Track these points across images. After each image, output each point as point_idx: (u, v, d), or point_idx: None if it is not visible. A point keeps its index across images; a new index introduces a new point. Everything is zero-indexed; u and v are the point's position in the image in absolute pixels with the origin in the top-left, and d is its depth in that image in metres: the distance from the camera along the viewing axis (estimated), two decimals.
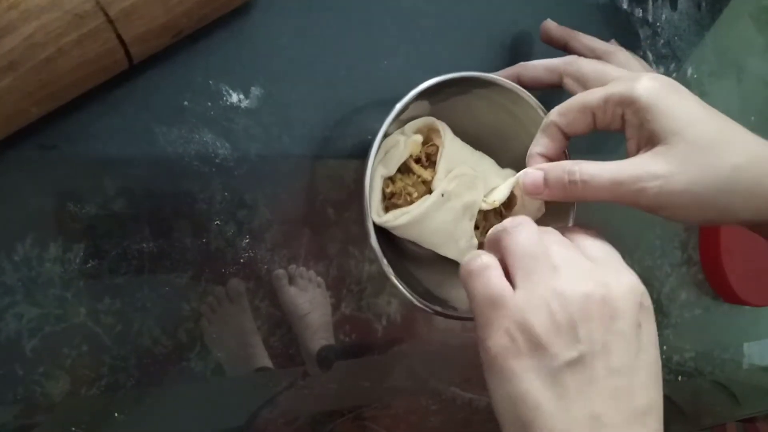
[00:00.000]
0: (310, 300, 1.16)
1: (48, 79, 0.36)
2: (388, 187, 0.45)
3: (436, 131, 0.46)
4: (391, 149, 0.45)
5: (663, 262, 0.75)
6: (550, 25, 0.52)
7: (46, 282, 0.58)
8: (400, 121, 0.45)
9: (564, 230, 0.36)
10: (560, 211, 0.47)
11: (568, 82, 0.44)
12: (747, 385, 0.78)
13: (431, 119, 0.46)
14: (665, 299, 0.80)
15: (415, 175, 0.45)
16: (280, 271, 1.16)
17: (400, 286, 0.43)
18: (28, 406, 0.59)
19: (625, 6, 0.60)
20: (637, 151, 0.38)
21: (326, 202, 0.52)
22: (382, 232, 0.44)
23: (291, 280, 1.16)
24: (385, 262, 0.41)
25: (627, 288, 0.31)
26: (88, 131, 0.42)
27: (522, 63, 0.47)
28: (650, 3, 0.61)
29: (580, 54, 0.48)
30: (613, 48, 0.49)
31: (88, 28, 0.36)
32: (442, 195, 0.44)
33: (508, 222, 0.34)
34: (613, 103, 0.37)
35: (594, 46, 0.49)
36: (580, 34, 0.50)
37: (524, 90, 0.45)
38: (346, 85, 0.49)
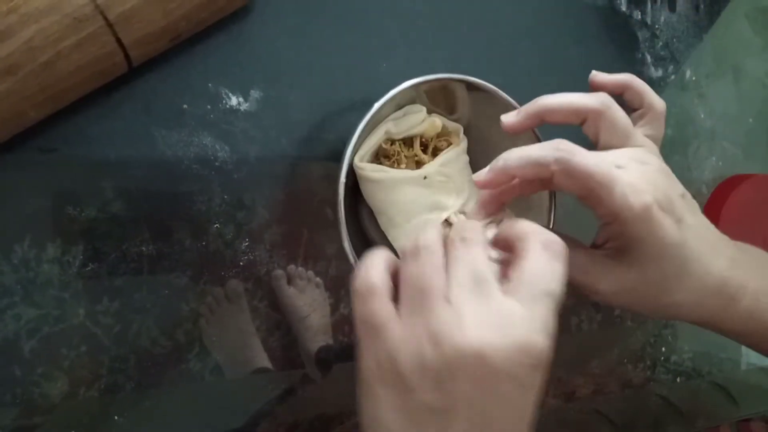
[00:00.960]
0: (309, 301, 1.16)
1: (47, 83, 0.36)
2: (386, 144, 0.45)
3: (457, 135, 0.46)
4: (411, 114, 0.45)
5: None
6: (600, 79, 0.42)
7: (45, 283, 0.58)
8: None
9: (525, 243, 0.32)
10: (540, 208, 0.46)
11: (593, 129, 0.38)
12: (745, 385, 0.78)
13: (460, 127, 0.46)
14: None
15: (413, 152, 0.45)
16: (279, 272, 1.16)
17: (348, 249, 0.43)
18: (26, 408, 0.59)
19: (623, 8, 0.60)
20: (601, 244, 0.38)
21: (324, 203, 0.52)
22: (351, 214, 0.44)
23: (290, 281, 1.16)
24: (343, 221, 0.41)
25: (520, 343, 0.28)
26: (87, 134, 0.42)
27: (543, 101, 0.38)
28: (649, 5, 0.61)
29: (564, 122, 0.39)
30: (599, 103, 0.38)
31: (88, 31, 0.36)
32: (425, 177, 0.43)
33: (417, 240, 0.32)
34: (605, 207, 0.34)
35: (577, 106, 0.38)
36: (551, 97, 0.39)
37: (508, 97, 0.44)
38: (345, 87, 0.49)
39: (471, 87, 0.44)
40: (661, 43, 0.62)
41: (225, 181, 0.47)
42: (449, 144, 0.46)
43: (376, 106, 0.41)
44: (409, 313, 0.30)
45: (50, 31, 0.35)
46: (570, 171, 0.33)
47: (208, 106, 0.45)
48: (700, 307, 0.36)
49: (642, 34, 0.61)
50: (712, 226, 0.38)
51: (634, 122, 0.41)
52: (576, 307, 1.28)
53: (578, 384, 0.66)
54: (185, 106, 0.44)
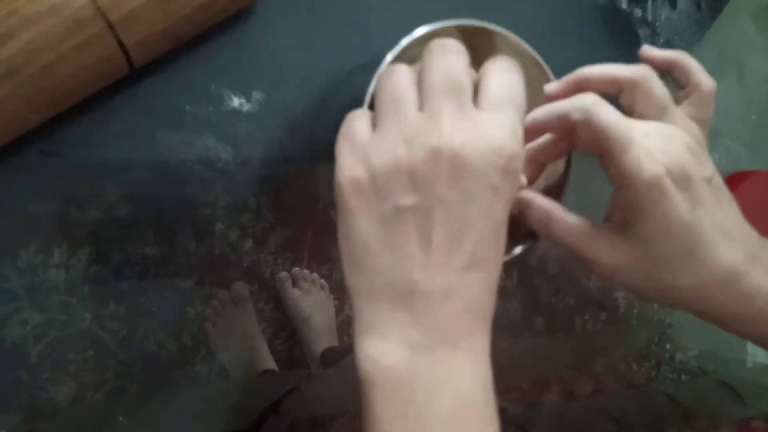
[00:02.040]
0: (313, 302, 1.17)
1: (48, 85, 0.37)
2: None
3: None
4: None
5: None
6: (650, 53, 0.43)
7: (51, 288, 0.58)
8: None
9: (489, 62, 0.35)
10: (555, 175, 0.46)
11: (628, 100, 0.38)
12: (752, 383, 0.78)
13: (475, 75, 0.46)
14: None
15: None
16: (284, 274, 1.17)
17: None
18: (33, 412, 0.59)
19: (624, 6, 0.60)
20: (611, 216, 0.37)
21: (329, 205, 0.52)
22: None
23: (294, 283, 1.17)
24: None
25: (491, 146, 0.30)
26: (89, 137, 0.43)
27: (582, 70, 0.39)
28: (649, 3, 0.61)
29: (601, 92, 0.37)
30: (637, 74, 0.38)
31: (89, 33, 0.36)
32: None
33: (391, 66, 0.34)
34: (619, 162, 0.33)
35: (615, 75, 0.38)
36: (591, 67, 0.39)
37: (524, 42, 0.44)
38: (348, 87, 0.49)
39: (476, 32, 0.43)
40: (662, 41, 0.62)
41: (228, 183, 0.47)
42: None
43: (388, 58, 0.41)
44: (382, 122, 0.32)
45: (51, 33, 0.35)
46: (590, 122, 0.33)
47: (210, 108, 0.45)
48: (705, 297, 0.35)
49: (643, 32, 0.61)
50: (740, 219, 0.36)
51: (679, 101, 0.41)
52: (580, 306, 1.28)
53: (582, 382, 0.66)
54: (187, 107, 0.44)
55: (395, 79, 0.33)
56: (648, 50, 0.43)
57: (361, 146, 0.31)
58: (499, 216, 0.31)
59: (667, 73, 0.41)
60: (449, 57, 0.32)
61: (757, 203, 0.69)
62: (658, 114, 0.37)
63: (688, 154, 0.34)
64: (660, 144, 0.33)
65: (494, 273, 0.32)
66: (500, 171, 0.30)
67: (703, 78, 0.41)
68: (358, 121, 0.33)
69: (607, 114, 0.33)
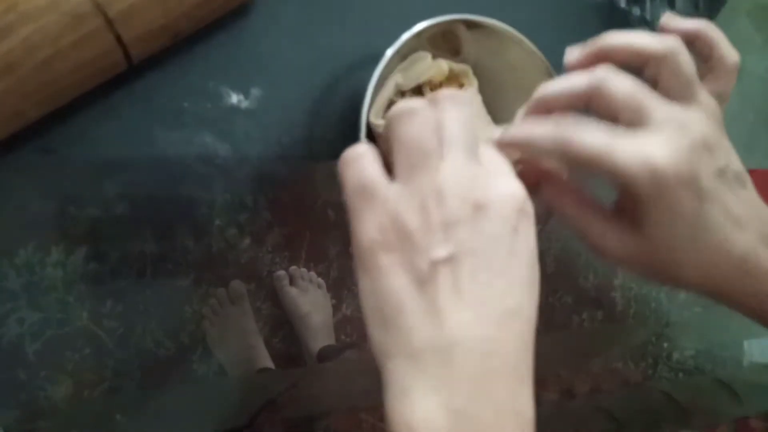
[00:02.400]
0: (311, 301, 1.17)
1: (46, 81, 0.36)
2: (396, 96, 0.45)
3: (466, 75, 0.46)
4: (417, 62, 0.45)
5: None
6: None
7: (49, 286, 0.58)
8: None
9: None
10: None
11: (653, 74, 0.36)
12: (748, 383, 0.78)
13: (467, 67, 0.46)
14: (664, 298, 0.80)
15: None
16: (281, 273, 1.17)
17: None
18: (30, 411, 0.59)
19: (622, 5, 0.60)
20: (621, 209, 0.37)
21: (326, 204, 0.52)
22: None
23: (292, 281, 1.17)
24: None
25: (505, 192, 0.31)
26: (87, 134, 0.43)
27: (608, 38, 0.36)
28: (648, 2, 0.61)
29: (626, 63, 0.37)
30: (663, 48, 0.35)
31: (87, 29, 0.36)
32: None
33: (407, 103, 0.33)
34: (610, 175, 0.33)
35: (640, 47, 0.35)
36: (617, 35, 0.36)
37: (521, 35, 0.44)
38: (346, 85, 0.49)
39: (472, 26, 0.44)
40: None
41: (226, 181, 0.47)
42: (461, 86, 0.46)
43: (389, 53, 0.42)
44: (408, 171, 0.31)
45: (49, 28, 0.35)
46: (567, 155, 0.33)
47: (209, 105, 0.45)
48: (714, 282, 0.35)
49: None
50: (756, 201, 0.36)
51: (702, 76, 0.39)
52: (577, 305, 1.28)
53: (580, 381, 0.66)
54: (186, 104, 0.44)
55: (417, 127, 0.32)
56: (669, 20, 0.40)
57: (387, 202, 0.31)
58: (527, 256, 0.31)
59: (690, 44, 0.38)
60: (463, 109, 0.33)
61: None
62: (682, 91, 0.35)
63: (698, 149, 0.33)
64: (667, 141, 0.32)
65: (531, 326, 0.31)
66: (517, 213, 0.31)
67: (726, 51, 0.39)
68: (370, 170, 0.32)
69: (582, 140, 0.33)
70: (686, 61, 0.35)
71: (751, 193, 0.36)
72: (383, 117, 0.44)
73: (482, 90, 0.48)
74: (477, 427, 0.28)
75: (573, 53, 0.38)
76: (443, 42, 0.47)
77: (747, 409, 0.77)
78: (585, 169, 0.34)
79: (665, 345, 0.73)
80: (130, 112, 0.43)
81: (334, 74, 0.49)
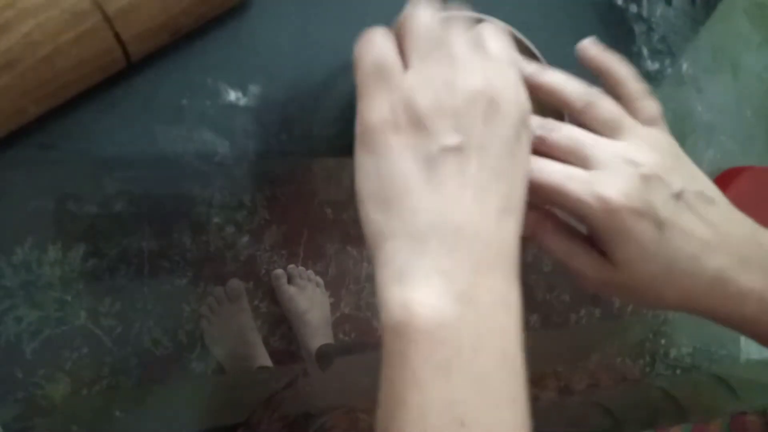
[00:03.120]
0: (309, 299, 1.17)
1: (46, 78, 0.36)
2: None
3: None
4: None
5: None
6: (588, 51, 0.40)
7: (46, 285, 0.58)
8: None
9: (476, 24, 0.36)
10: None
11: (575, 120, 0.38)
12: (745, 379, 0.79)
13: None
14: None
15: None
16: (279, 271, 1.17)
17: None
18: (28, 410, 0.59)
19: (619, 2, 0.60)
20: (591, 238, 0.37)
21: (324, 202, 0.52)
22: None
23: (290, 280, 1.17)
24: None
25: (516, 99, 0.32)
26: (86, 131, 0.43)
27: (538, 77, 0.38)
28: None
29: (555, 106, 0.38)
30: (585, 99, 0.37)
31: (86, 26, 0.36)
32: None
33: (419, 3, 0.34)
34: (567, 208, 0.35)
35: (566, 96, 0.37)
36: (546, 76, 0.38)
37: (517, 32, 0.43)
38: (346, 82, 0.50)
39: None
40: (657, 37, 0.62)
41: (225, 178, 0.47)
42: None
43: None
44: (421, 60, 0.32)
45: (49, 25, 0.35)
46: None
47: (208, 102, 0.45)
48: (693, 304, 0.36)
49: (638, 28, 0.61)
50: (728, 219, 0.36)
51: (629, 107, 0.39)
52: (575, 303, 1.28)
53: (577, 377, 0.66)
54: (184, 101, 0.44)
55: (425, 20, 0.33)
56: (584, 49, 0.40)
57: (401, 84, 0.31)
58: (525, 164, 0.32)
59: (601, 76, 0.40)
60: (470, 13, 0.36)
61: (751, 198, 0.69)
62: (612, 134, 0.36)
63: (647, 180, 0.34)
64: (617, 177, 0.33)
65: (520, 224, 0.32)
66: (522, 121, 0.32)
67: (633, 88, 0.39)
68: (387, 51, 0.32)
69: (540, 173, 0.34)
70: (606, 107, 0.36)
71: (721, 208, 0.36)
72: None
73: None
74: (477, 312, 0.28)
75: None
76: None
77: (743, 406, 0.78)
78: (547, 200, 0.35)
79: (662, 342, 0.74)
80: (129, 108, 0.43)
81: (333, 71, 0.49)
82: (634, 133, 0.36)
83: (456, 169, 0.30)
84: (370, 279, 1.17)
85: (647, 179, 0.34)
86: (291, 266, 1.13)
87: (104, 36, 0.37)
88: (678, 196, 0.34)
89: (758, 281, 0.34)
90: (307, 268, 1.14)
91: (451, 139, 0.30)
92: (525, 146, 0.32)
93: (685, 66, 0.64)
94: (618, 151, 0.34)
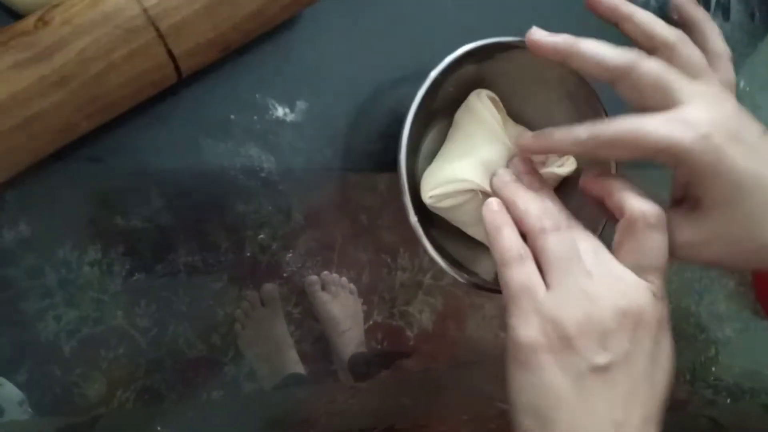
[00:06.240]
0: (342, 306, 1.16)
1: (99, 94, 0.36)
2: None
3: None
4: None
5: (702, 274, 0.73)
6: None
7: (85, 284, 0.59)
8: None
9: (583, 235, 0.36)
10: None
11: (624, 90, 0.36)
12: None
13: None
14: (704, 312, 0.78)
15: None
16: (313, 277, 1.16)
17: (434, 255, 0.43)
18: (67, 408, 0.60)
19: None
20: (679, 198, 0.37)
21: (359, 209, 0.52)
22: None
23: (323, 287, 1.16)
24: (421, 232, 0.42)
25: (652, 304, 0.32)
26: (134, 144, 0.43)
27: (572, 41, 0.36)
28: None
29: (633, 39, 0.37)
30: (675, 37, 0.35)
31: (139, 42, 0.36)
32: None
33: (544, 222, 0.35)
34: (654, 151, 0.33)
35: (653, 32, 0.36)
36: (638, 10, 0.37)
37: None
38: (391, 98, 0.49)
39: (519, 49, 0.43)
40: None
41: (270, 192, 0.47)
42: None
43: (432, 75, 0.42)
44: (561, 278, 0.33)
45: (103, 42, 0.35)
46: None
47: (255, 117, 0.45)
48: None
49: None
50: None
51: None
52: None
53: None
54: (232, 116, 0.44)
55: (561, 241, 0.34)
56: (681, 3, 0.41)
57: (546, 304, 0.32)
58: (666, 366, 0.33)
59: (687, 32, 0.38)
60: (580, 230, 0.35)
61: None
62: (698, 73, 0.35)
63: (737, 114, 0.33)
64: (709, 109, 0.32)
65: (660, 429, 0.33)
66: (660, 326, 0.33)
67: (717, 43, 0.41)
68: (531, 273, 0.34)
69: (614, 126, 0.33)
70: (693, 51, 0.35)
71: None
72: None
73: (499, 88, 0.46)
74: None
75: (538, 34, 0.38)
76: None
77: None
78: (631, 154, 0.34)
79: (713, 369, 0.72)
80: (177, 122, 0.43)
81: (379, 88, 0.49)
82: (715, 82, 0.35)
83: (605, 384, 0.31)
84: (403, 287, 1.16)
85: (737, 113, 0.33)
86: (325, 273, 1.13)
87: (157, 52, 0.37)
88: (762, 135, 0.33)
89: None
90: (341, 275, 1.13)
91: (600, 359, 0.31)
92: (664, 350, 0.33)
93: (742, 83, 0.62)
94: (702, 89, 0.34)
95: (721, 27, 0.60)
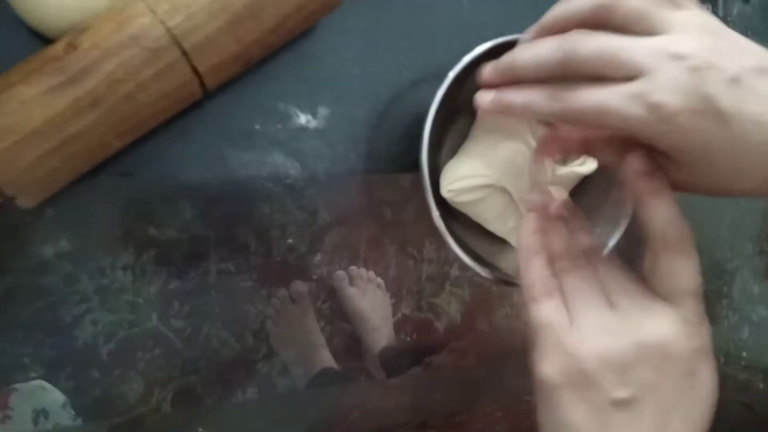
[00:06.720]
0: (370, 300, 1.18)
1: (129, 113, 0.38)
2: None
3: None
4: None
5: (733, 254, 0.72)
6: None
7: (119, 289, 0.60)
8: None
9: (610, 266, 0.36)
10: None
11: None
12: None
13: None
14: (736, 293, 0.78)
15: None
16: (341, 273, 1.18)
17: (457, 251, 0.44)
18: (106, 409, 0.62)
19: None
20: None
21: (383, 203, 0.53)
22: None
23: (351, 282, 1.18)
24: (443, 227, 0.43)
25: (680, 332, 0.32)
26: (162, 157, 0.44)
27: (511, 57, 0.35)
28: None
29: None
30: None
31: (165, 62, 0.37)
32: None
33: (567, 254, 0.36)
34: (625, 125, 0.31)
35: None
36: None
37: None
38: (411, 101, 0.49)
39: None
40: None
41: (296, 197, 0.48)
42: None
43: (451, 75, 0.43)
44: (583, 314, 0.33)
45: (130, 63, 0.36)
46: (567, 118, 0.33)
47: (279, 125, 0.45)
48: None
49: None
50: None
51: None
52: None
53: None
54: (257, 126, 0.45)
55: (584, 276, 0.35)
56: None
57: (567, 341, 0.33)
58: (707, 395, 0.32)
59: None
60: (613, 263, 0.35)
61: None
62: (645, 30, 0.31)
63: (697, 71, 0.29)
64: (660, 77, 0.30)
65: None
66: (697, 353, 0.32)
67: None
68: (556, 310, 0.34)
69: (582, 97, 0.31)
70: (627, 1, 0.32)
71: None
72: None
73: None
74: None
75: (486, 72, 0.36)
76: None
77: None
78: (595, 127, 0.33)
79: (743, 354, 0.71)
80: (204, 134, 0.44)
81: (398, 90, 0.49)
82: (670, 22, 0.31)
83: (629, 418, 0.31)
84: (430, 279, 1.17)
85: (698, 71, 0.29)
86: (352, 268, 1.14)
87: (182, 70, 0.38)
88: (735, 80, 0.30)
89: None
90: (368, 269, 1.14)
91: (620, 393, 0.31)
92: (702, 378, 0.32)
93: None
94: (657, 47, 0.30)
95: (740, 10, 0.59)
